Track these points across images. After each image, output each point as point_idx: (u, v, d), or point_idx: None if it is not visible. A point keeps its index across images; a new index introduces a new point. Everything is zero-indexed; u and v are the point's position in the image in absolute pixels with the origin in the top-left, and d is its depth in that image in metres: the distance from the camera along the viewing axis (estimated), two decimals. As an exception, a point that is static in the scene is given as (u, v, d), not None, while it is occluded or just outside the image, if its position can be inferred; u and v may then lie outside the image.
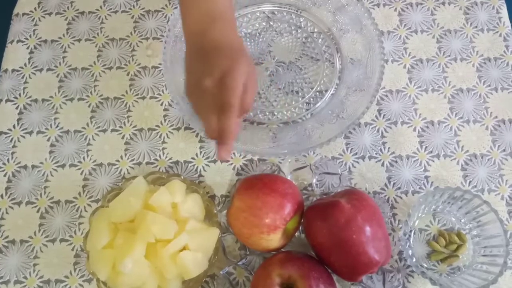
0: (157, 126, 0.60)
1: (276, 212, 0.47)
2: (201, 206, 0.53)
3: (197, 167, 0.58)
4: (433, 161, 0.58)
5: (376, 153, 0.58)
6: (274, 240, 0.48)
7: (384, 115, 0.60)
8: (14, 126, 0.60)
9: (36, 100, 0.62)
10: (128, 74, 0.63)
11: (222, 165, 0.58)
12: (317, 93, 0.61)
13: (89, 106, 0.61)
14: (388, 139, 0.59)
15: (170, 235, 0.48)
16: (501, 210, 0.55)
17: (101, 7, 0.66)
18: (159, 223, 0.48)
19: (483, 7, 0.65)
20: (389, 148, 0.58)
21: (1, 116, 0.61)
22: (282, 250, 0.51)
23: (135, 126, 0.60)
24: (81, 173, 0.58)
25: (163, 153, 0.59)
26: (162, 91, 0.62)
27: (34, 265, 0.54)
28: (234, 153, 0.58)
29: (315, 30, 0.64)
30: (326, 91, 0.61)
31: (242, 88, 0.44)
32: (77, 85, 0.62)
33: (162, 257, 0.48)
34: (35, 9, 0.67)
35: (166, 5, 0.66)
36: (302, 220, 0.51)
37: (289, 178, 0.55)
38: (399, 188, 0.56)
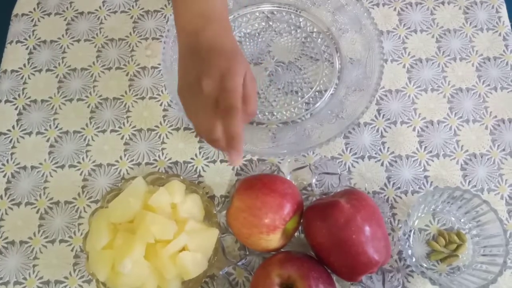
0: (157, 126, 0.60)
1: (276, 212, 0.47)
2: (201, 207, 0.53)
3: (197, 167, 0.58)
4: (433, 160, 0.57)
5: (375, 153, 0.58)
6: (273, 240, 0.48)
7: (383, 115, 0.60)
8: (13, 127, 0.60)
9: (35, 101, 0.62)
10: (127, 75, 0.63)
11: (222, 165, 0.58)
12: (317, 93, 0.61)
13: (88, 106, 0.61)
14: (387, 139, 0.59)
15: (169, 235, 0.48)
16: (500, 209, 0.55)
17: (100, 7, 0.66)
18: (158, 223, 0.48)
19: (483, 6, 0.65)
20: (388, 148, 0.58)
21: (1, 117, 0.61)
22: (282, 250, 0.51)
23: (134, 127, 0.60)
24: (81, 174, 0.58)
25: (163, 154, 0.59)
26: (162, 91, 0.62)
27: (34, 266, 0.54)
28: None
29: (315, 30, 0.64)
30: (326, 91, 0.61)
31: (241, 89, 0.44)
32: (77, 85, 0.62)
33: (162, 258, 0.48)
34: (34, 9, 0.67)
35: (165, 5, 0.66)
36: (301, 220, 0.51)
37: (288, 178, 0.55)
38: (399, 188, 0.56)
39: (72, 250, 0.55)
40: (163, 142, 0.59)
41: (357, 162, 0.58)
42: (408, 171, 0.57)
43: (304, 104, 0.60)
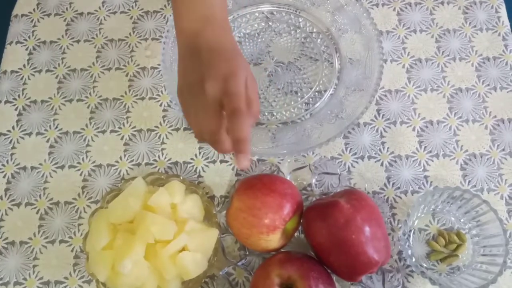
0: (156, 127, 0.60)
1: (275, 212, 0.47)
2: (201, 207, 0.53)
3: (196, 167, 0.58)
4: (432, 160, 0.58)
5: (375, 153, 0.58)
6: (273, 240, 0.48)
7: (383, 115, 0.60)
8: (13, 127, 0.60)
9: (35, 101, 0.62)
10: (127, 75, 0.63)
11: (221, 165, 0.58)
12: (316, 93, 0.61)
13: (88, 107, 0.61)
14: (387, 139, 0.59)
15: (169, 235, 0.48)
16: (500, 209, 0.55)
17: (100, 8, 0.67)
18: (158, 223, 0.48)
19: (482, 6, 0.65)
20: (388, 148, 0.58)
21: (0, 118, 0.61)
22: (282, 250, 0.51)
23: (134, 127, 0.60)
24: (81, 174, 0.58)
25: (162, 154, 0.59)
26: (161, 91, 0.62)
27: (34, 266, 0.54)
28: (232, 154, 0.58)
29: (314, 30, 0.64)
30: (325, 91, 0.61)
31: (248, 91, 0.44)
32: (76, 86, 0.62)
33: (162, 258, 0.48)
34: (34, 10, 0.67)
35: (165, 6, 0.66)
36: (301, 220, 0.51)
37: (288, 178, 0.56)
38: (399, 188, 0.56)
39: (72, 251, 0.55)
40: (163, 143, 0.59)
41: (356, 162, 0.58)
42: (408, 171, 0.57)
43: (304, 104, 0.60)
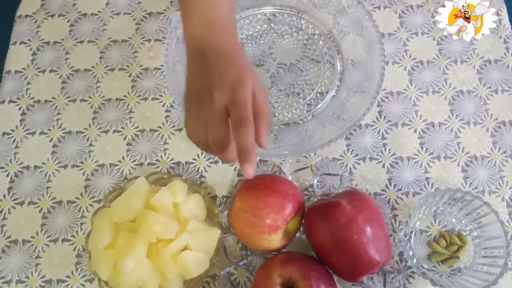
0: (159, 127, 0.60)
1: (277, 213, 0.47)
2: (203, 207, 0.53)
3: (199, 168, 0.58)
4: (434, 162, 0.58)
5: (376, 155, 0.58)
6: (275, 240, 0.48)
7: (384, 116, 0.60)
8: (16, 127, 0.61)
9: (38, 101, 0.62)
10: (130, 76, 0.63)
11: (223, 166, 0.58)
12: (318, 94, 0.61)
13: (91, 107, 0.61)
14: (388, 140, 0.59)
15: (171, 235, 0.48)
16: (501, 211, 0.55)
17: (103, 9, 0.67)
18: (160, 223, 0.48)
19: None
20: (389, 149, 0.58)
21: (4, 117, 0.61)
22: (283, 250, 0.51)
23: (137, 127, 0.60)
24: (83, 174, 0.58)
25: (165, 154, 0.59)
26: (164, 92, 0.62)
27: (36, 265, 0.55)
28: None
29: (316, 32, 0.64)
30: (327, 92, 0.61)
31: (257, 98, 0.43)
32: (80, 86, 0.63)
33: (164, 257, 0.48)
34: (38, 11, 0.67)
35: (168, 7, 0.67)
36: (303, 221, 0.51)
37: (290, 179, 0.56)
38: (400, 189, 0.57)
39: (74, 249, 0.55)
40: (165, 143, 0.59)
41: (358, 163, 0.58)
42: (409, 173, 0.57)
43: (306, 105, 0.61)
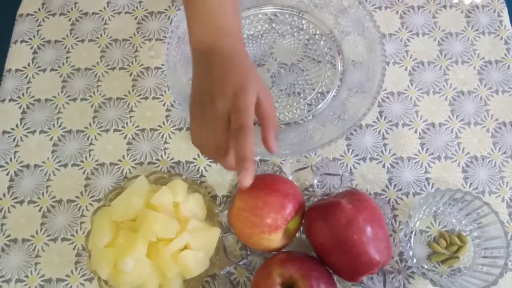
0: (159, 126, 0.60)
1: (278, 212, 0.47)
2: (203, 206, 0.53)
3: (199, 167, 0.58)
4: (434, 163, 0.58)
5: (377, 155, 0.58)
6: (275, 240, 0.48)
7: (385, 117, 0.60)
8: (17, 126, 0.61)
9: (39, 100, 0.62)
10: (131, 75, 0.63)
11: (224, 165, 0.58)
12: (319, 94, 0.61)
13: (91, 106, 0.61)
14: (389, 140, 0.59)
15: (171, 234, 0.48)
16: (501, 212, 0.55)
17: (104, 8, 0.67)
18: (160, 222, 0.48)
19: (484, 10, 0.65)
20: (390, 149, 0.58)
21: (4, 116, 0.61)
22: (283, 250, 0.51)
23: (137, 126, 0.60)
24: (83, 173, 0.58)
25: (165, 153, 0.59)
26: (165, 91, 0.62)
27: (36, 264, 0.55)
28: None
29: (317, 32, 0.64)
30: (328, 92, 0.61)
31: (253, 108, 0.43)
32: (80, 85, 0.63)
33: (164, 256, 0.48)
34: (39, 9, 0.67)
35: (169, 7, 0.67)
36: (303, 221, 0.51)
37: (290, 178, 0.56)
38: (400, 189, 0.57)
39: (74, 249, 0.55)
40: (165, 142, 0.59)
41: (358, 163, 0.58)
42: (410, 173, 0.57)
43: (306, 105, 0.61)
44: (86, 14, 0.67)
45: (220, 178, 0.57)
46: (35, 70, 0.64)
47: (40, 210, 0.57)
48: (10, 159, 0.59)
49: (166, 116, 0.61)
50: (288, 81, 0.62)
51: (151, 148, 0.59)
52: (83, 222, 0.56)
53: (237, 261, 0.53)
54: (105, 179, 0.58)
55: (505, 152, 0.58)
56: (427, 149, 0.58)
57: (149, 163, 0.58)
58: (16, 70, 0.64)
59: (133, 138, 0.60)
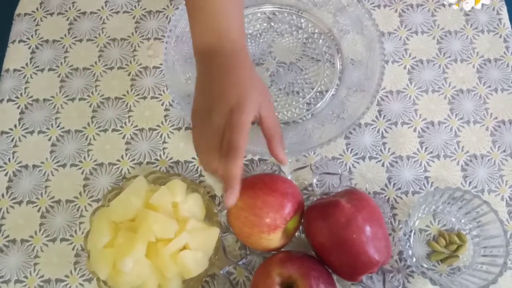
0: (158, 126, 0.60)
1: (277, 212, 0.47)
2: (202, 206, 0.53)
3: (198, 167, 0.58)
4: (433, 161, 0.58)
5: (376, 154, 0.58)
6: (274, 239, 0.48)
7: (384, 115, 0.60)
8: (15, 126, 0.61)
9: (37, 100, 0.62)
10: (129, 74, 0.63)
11: (223, 165, 0.58)
12: (318, 93, 0.61)
13: (90, 106, 0.61)
14: (388, 139, 0.59)
15: (170, 234, 0.48)
16: (501, 210, 0.55)
17: (102, 7, 0.67)
18: (159, 222, 0.48)
19: (483, 8, 0.65)
20: (389, 148, 0.58)
21: (2, 116, 0.61)
22: (282, 249, 0.51)
23: (136, 126, 0.60)
24: (82, 173, 0.58)
25: (164, 153, 0.59)
26: (163, 91, 0.62)
27: (35, 264, 0.54)
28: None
29: (316, 31, 0.64)
30: (327, 91, 0.61)
31: (249, 127, 0.43)
32: (78, 85, 0.62)
33: (163, 256, 0.48)
34: (37, 9, 0.67)
35: (167, 6, 0.67)
36: (302, 220, 0.51)
37: (289, 178, 0.56)
38: (399, 188, 0.57)
39: (73, 249, 0.55)
40: (164, 142, 0.59)
41: (357, 162, 0.58)
42: (409, 172, 0.57)
43: (305, 104, 0.61)
44: (84, 13, 0.66)
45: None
46: (33, 70, 0.63)
47: (39, 211, 0.57)
48: (9, 160, 0.59)
49: (165, 116, 0.60)
50: (287, 80, 0.62)
51: (150, 148, 0.59)
52: (82, 222, 0.56)
53: (236, 260, 0.53)
54: (104, 179, 0.58)
55: (504, 151, 0.58)
56: (426, 147, 0.58)
57: (147, 163, 0.58)
58: (14, 70, 0.63)
59: (132, 138, 0.60)
